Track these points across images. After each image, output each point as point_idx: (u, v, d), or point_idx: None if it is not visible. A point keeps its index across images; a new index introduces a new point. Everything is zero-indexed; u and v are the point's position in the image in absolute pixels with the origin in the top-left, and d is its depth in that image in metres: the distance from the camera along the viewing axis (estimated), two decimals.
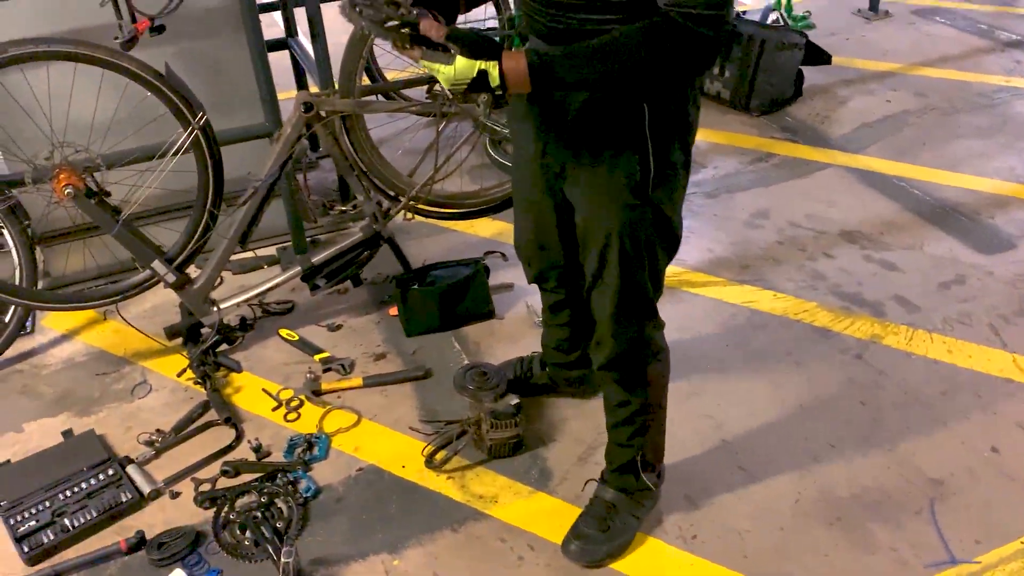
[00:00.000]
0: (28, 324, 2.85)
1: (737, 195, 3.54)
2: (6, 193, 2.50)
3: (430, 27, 1.44)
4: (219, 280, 2.67)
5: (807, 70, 4.32)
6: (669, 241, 1.75)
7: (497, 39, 1.47)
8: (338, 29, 2.30)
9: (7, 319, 2.70)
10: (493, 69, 1.40)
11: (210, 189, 2.52)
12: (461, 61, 1.40)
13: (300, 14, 3.42)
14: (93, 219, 2.39)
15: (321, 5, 2.92)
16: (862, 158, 3.76)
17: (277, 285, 2.71)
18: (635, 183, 1.61)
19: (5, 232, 2.54)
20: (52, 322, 2.92)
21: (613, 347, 1.84)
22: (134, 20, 2.53)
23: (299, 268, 2.70)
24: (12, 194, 2.52)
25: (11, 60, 2.19)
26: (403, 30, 1.44)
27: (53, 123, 2.47)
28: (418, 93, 3.33)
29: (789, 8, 4.85)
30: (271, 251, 3.23)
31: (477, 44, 1.41)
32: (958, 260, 3.07)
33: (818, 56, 4.33)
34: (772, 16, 4.74)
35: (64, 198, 2.30)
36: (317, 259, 2.71)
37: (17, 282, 2.55)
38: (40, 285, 2.99)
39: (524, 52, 1.42)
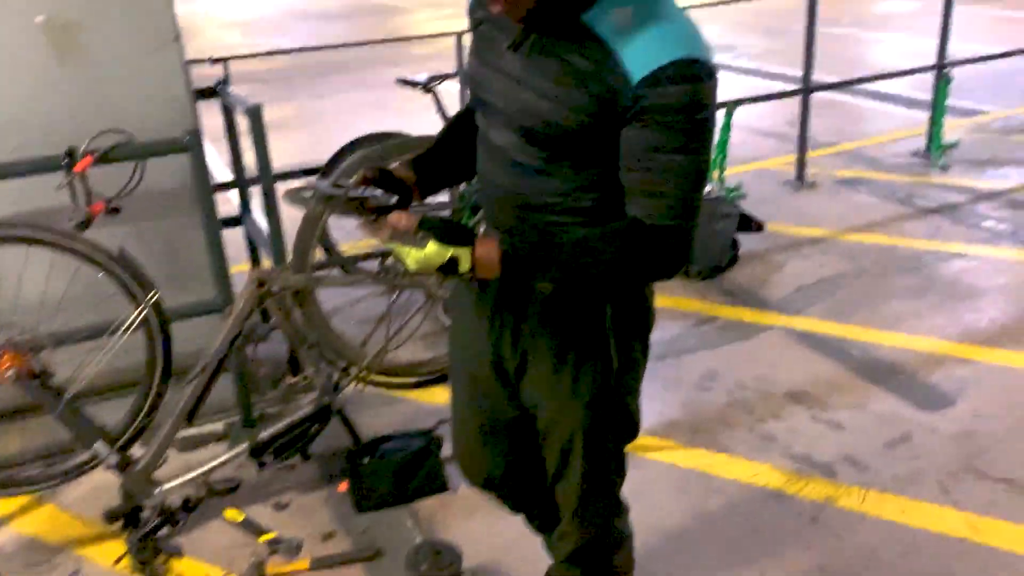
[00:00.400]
0: None
1: (685, 357, 3.61)
2: None
3: (399, 218, 1.39)
4: (163, 459, 2.60)
5: (743, 237, 4.53)
6: (630, 428, 1.74)
7: (466, 224, 1.52)
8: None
9: None
10: (465, 255, 1.37)
11: (158, 367, 2.50)
12: (432, 247, 1.35)
13: (255, 190, 3.53)
14: (35, 400, 2.34)
15: (276, 183, 3.03)
16: (802, 319, 3.89)
17: (223, 463, 2.64)
18: (599, 384, 1.59)
19: None
20: None
21: (577, 540, 1.81)
22: (90, 202, 2.59)
23: (246, 444, 2.65)
24: None
25: None
26: (372, 216, 1.43)
27: (1, 302, 2.47)
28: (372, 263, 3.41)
29: (721, 180, 5.15)
30: (218, 426, 3.17)
31: (450, 230, 1.38)
32: (902, 418, 3.14)
33: (751, 224, 4.57)
34: (707, 188, 5.02)
35: (5, 380, 2.26)
36: (264, 435, 2.66)
37: None
38: None
39: (497, 239, 1.40)
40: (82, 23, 2.70)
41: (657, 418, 3.18)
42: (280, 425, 2.68)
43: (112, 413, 2.71)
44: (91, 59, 2.74)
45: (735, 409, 3.24)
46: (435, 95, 4.26)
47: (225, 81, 3.68)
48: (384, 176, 1.54)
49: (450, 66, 5.04)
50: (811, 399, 3.28)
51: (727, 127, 5.04)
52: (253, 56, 4.93)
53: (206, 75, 4.02)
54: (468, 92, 1.60)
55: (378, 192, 1.45)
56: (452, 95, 4.90)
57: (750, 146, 6.46)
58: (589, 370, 1.58)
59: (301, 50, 5.95)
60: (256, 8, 18.76)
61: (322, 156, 4.30)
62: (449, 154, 1.71)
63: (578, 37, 1.34)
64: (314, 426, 2.72)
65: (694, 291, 4.22)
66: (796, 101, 5.54)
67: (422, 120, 7.70)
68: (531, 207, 1.48)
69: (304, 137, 7.24)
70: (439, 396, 3.27)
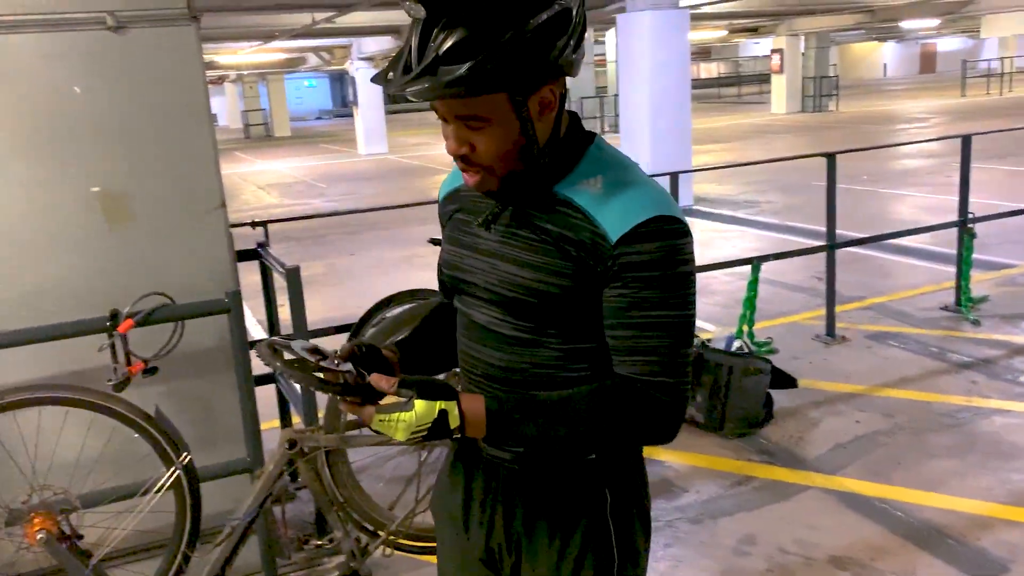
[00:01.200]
0: None
1: (721, 520, 3.52)
2: None
3: (380, 380, 1.33)
4: None
5: (776, 393, 4.51)
6: None
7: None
8: None
9: None
10: (453, 409, 1.31)
11: (186, 530, 2.48)
12: (420, 404, 1.30)
13: None
14: (62, 564, 2.32)
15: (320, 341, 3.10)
16: (840, 479, 3.80)
17: None
18: None
19: None
20: None
21: None
22: (129, 363, 2.66)
23: None
24: None
25: (8, 406, 2.26)
26: (347, 396, 1.33)
27: (37, 462, 2.50)
28: None
29: (752, 335, 5.17)
30: None
31: (432, 385, 1.33)
32: None
33: (785, 380, 4.55)
34: (736, 344, 5.04)
35: (36, 543, 2.25)
36: None
37: None
38: None
39: (481, 398, 1.35)
40: (134, 193, 2.87)
41: None
42: None
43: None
44: (139, 226, 2.89)
45: None
46: None
47: (265, 244, 3.85)
48: (371, 353, 1.48)
49: None
50: (856, 565, 3.16)
51: (755, 282, 5.12)
52: (292, 220, 5.14)
53: (244, 235, 4.20)
54: (440, 285, 1.60)
55: (347, 366, 1.35)
56: None
57: (778, 301, 6.53)
58: (590, 565, 1.48)
59: (334, 214, 6.23)
60: (291, 170, 19.69)
61: (353, 312, 4.40)
62: (432, 341, 1.64)
63: (552, 206, 1.38)
64: None
65: (729, 450, 4.16)
66: (821, 256, 5.64)
67: None
68: (519, 382, 1.44)
69: (336, 293, 7.45)
70: None
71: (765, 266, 5.15)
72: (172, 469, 2.42)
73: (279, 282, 3.36)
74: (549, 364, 1.42)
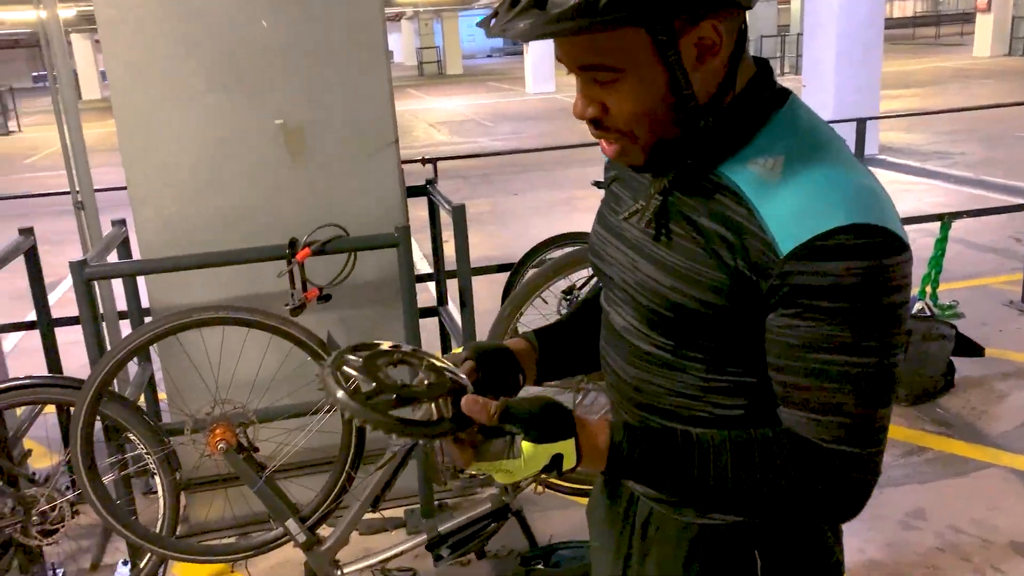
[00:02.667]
0: (160, 570, 2.90)
1: (887, 490, 3.32)
2: (165, 442, 2.66)
3: (472, 405, 1.01)
4: (345, 542, 2.67)
5: (959, 361, 4.18)
6: None
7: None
8: (486, 298, 2.43)
9: (142, 564, 2.77)
10: (569, 451, 1.00)
11: (351, 451, 2.60)
12: (528, 449, 0.99)
13: (451, 285, 3.69)
14: (239, 473, 2.49)
15: (480, 279, 3.14)
16: None
17: (402, 553, 2.68)
18: None
19: (157, 479, 2.68)
20: (182, 570, 2.97)
21: None
22: (305, 289, 2.79)
23: (425, 536, 2.68)
24: (169, 443, 2.69)
25: (194, 323, 2.43)
26: (430, 432, 1.00)
27: (219, 378, 2.68)
28: None
29: (935, 298, 4.80)
30: (399, 512, 3.24)
31: (545, 421, 1.01)
32: None
33: (970, 347, 4.20)
34: (918, 305, 4.70)
35: (216, 452, 2.43)
36: (444, 528, 2.68)
37: (159, 530, 2.65)
38: (178, 531, 3.10)
39: (606, 425, 1.04)
40: (313, 126, 2.96)
41: (857, 556, 2.92)
42: (458, 520, 2.70)
43: (301, 489, 2.84)
44: (317, 158, 2.99)
45: (947, 555, 2.92)
46: None
47: (433, 181, 3.91)
48: (494, 357, 1.23)
49: None
50: None
51: (943, 240, 4.73)
52: (460, 158, 5.20)
53: (413, 171, 4.29)
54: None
55: (459, 374, 1.08)
56: None
57: (967, 262, 6.02)
58: None
59: (501, 153, 6.21)
60: (461, 108, 19.97)
61: (514, 251, 4.42)
62: (577, 334, 1.35)
63: (711, 192, 1.03)
64: (491, 524, 2.72)
65: (902, 417, 3.91)
66: (1021, 216, 5.13)
67: None
68: (656, 409, 1.14)
69: (498, 231, 7.54)
70: None
71: (955, 224, 4.74)
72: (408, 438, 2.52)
73: (445, 218, 3.41)
74: (691, 394, 1.10)
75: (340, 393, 0.98)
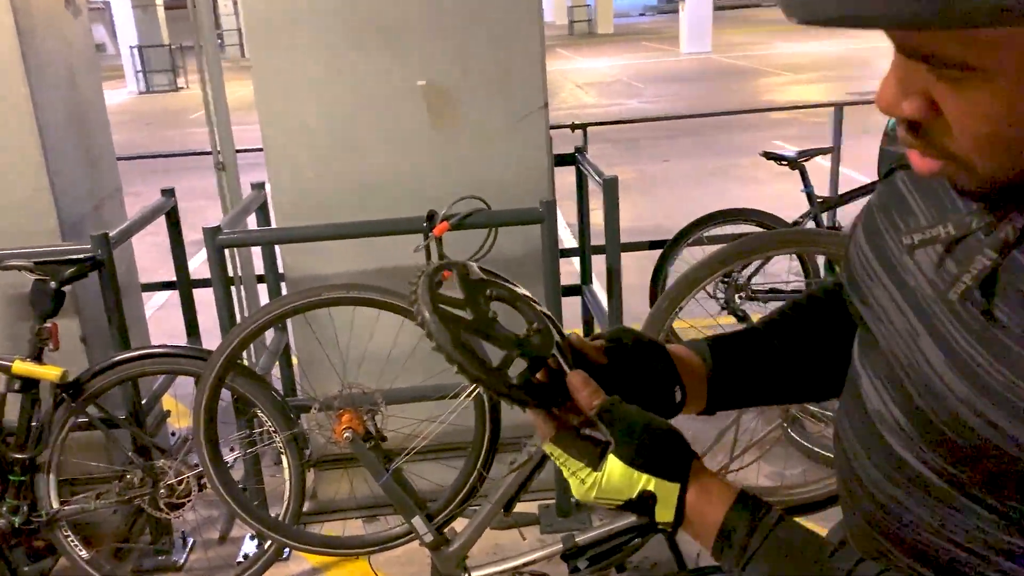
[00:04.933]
0: (285, 551, 2.81)
1: None
2: (293, 421, 2.53)
3: (579, 383, 0.83)
4: (473, 543, 2.48)
5: None
6: None
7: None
8: (632, 275, 2.14)
9: (266, 545, 2.68)
10: (668, 497, 0.78)
11: (483, 447, 2.38)
12: (615, 467, 0.78)
13: (597, 260, 3.40)
14: (364, 465, 2.32)
15: (627, 255, 2.86)
16: None
17: (535, 561, 2.45)
18: None
19: (284, 459, 2.56)
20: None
21: None
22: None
23: (560, 545, 2.43)
24: (301, 423, 2.56)
25: (322, 303, 2.26)
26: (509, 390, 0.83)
27: (348, 359, 2.52)
28: None
29: None
30: (532, 508, 3.02)
31: (653, 445, 0.79)
32: None
33: None
34: None
35: (342, 439, 2.26)
36: (582, 539, 2.43)
37: (282, 516, 2.53)
38: (306, 507, 3.00)
39: (730, 495, 0.79)
40: (458, 89, 2.73)
41: None
42: (598, 532, 2.44)
43: (431, 473, 2.67)
44: (460, 123, 2.77)
45: None
46: (803, 172, 3.85)
47: (583, 149, 3.61)
48: (641, 353, 0.95)
49: (821, 139, 4.60)
50: None
51: None
52: (611, 124, 4.88)
53: (560, 135, 4.01)
54: (842, 272, 0.91)
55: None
56: (823, 173, 4.45)
57: None
58: None
59: (656, 119, 5.81)
60: (610, 68, 19.44)
61: (661, 223, 4.08)
62: (774, 351, 1.00)
63: None
64: (636, 539, 2.44)
65: None
66: None
67: (773, 196, 7.31)
68: (909, 546, 0.78)
69: (645, 202, 7.15)
70: None
71: None
72: (473, 387, 2.30)
73: (593, 188, 3.13)
74: (972, 548, 0.72)
75: (428, 314, 0.83)
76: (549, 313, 0.94)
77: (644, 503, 0.78)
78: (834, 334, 0.96)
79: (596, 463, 0.79)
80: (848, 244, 0.86)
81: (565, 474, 0.82)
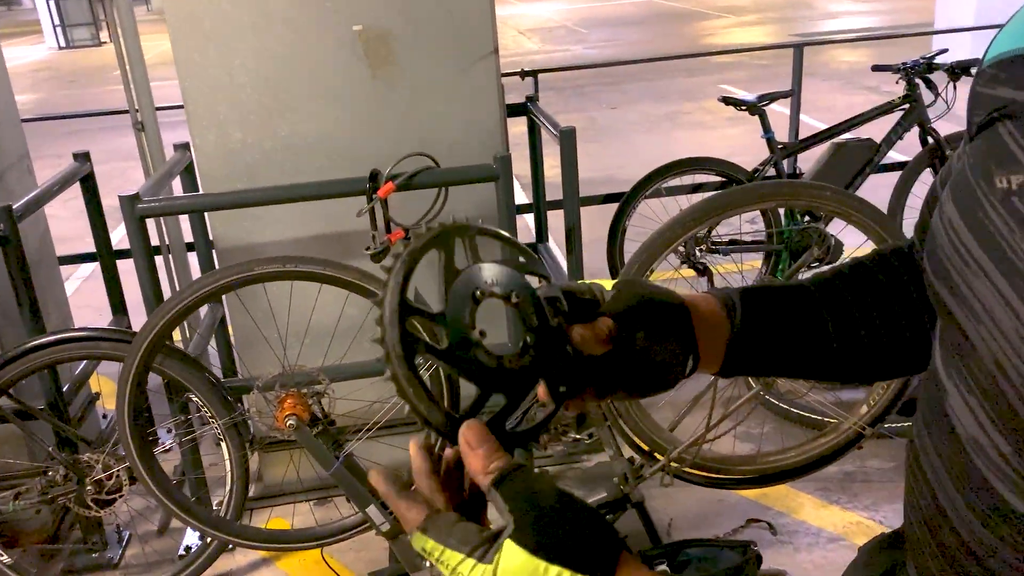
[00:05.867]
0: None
1: None
2: (232, 406, 2.31)
3: (474, 442, 0.61)
4: None
5: None
6: None
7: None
8: (587, 230, 1.95)
9: (208, 540, 2.47)
10: None
11: None
12: (515, 556, 0.56)
13: (552, 216, 3.22)
14: (311, 453, 2.12)
15: (581, 209, 2.67)
16: None
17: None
18: None
19: (223, 447, 2.34)
20: None
21: None
22: (389, 230, 2.37)
23: None
24: (242, 409, 2.34)
25: (256, 279, 2.03)
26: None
27: (289, 335, 2.30)
28: None
29: None
30: None
31: (569, 528, 0.58)
32: None
33: None
34: None
35: (286, 428, 2.06)
36: None
37: (224, 508, 2.32)
38: (251, 491, 2.79)
39: None
40: (398, 33, 2.48)
41: None
42: None
43: (384, 456, 2.48)
44: (403, 72, 2.52)
45: None
46: (763, 117, 3.69)
47: (534, 97, 3.39)
48: (654, 313, 0.76)
49: (768, 81, 4.44)
50: None
51: None
52: (562, 70, 4.65)
53: (508, 85, 3.78)
54: (919, 232, 0.76)
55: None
56: (782, 118, 4.29)
57: None
58: None
59: (605, 65, 5.57)
60: (553, 13, 19.04)
61: (614, 174, 3.90)
62: (813, 316, 0.82)
63: None
64: (607, 515, 2.30)
65: None
66: None
67: (724, 141, 7.19)
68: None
69: (596, 151, 6.94)
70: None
71: None
72: (428, 362, 2.11)
73: (546, 137, 2.93)
74: None
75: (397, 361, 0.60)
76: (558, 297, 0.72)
77: None
78: (900, 311, 0.80)
79: (484, 553, 0.57)
80: (934, 224, 0.67)
81: (434, 569, 0.59)
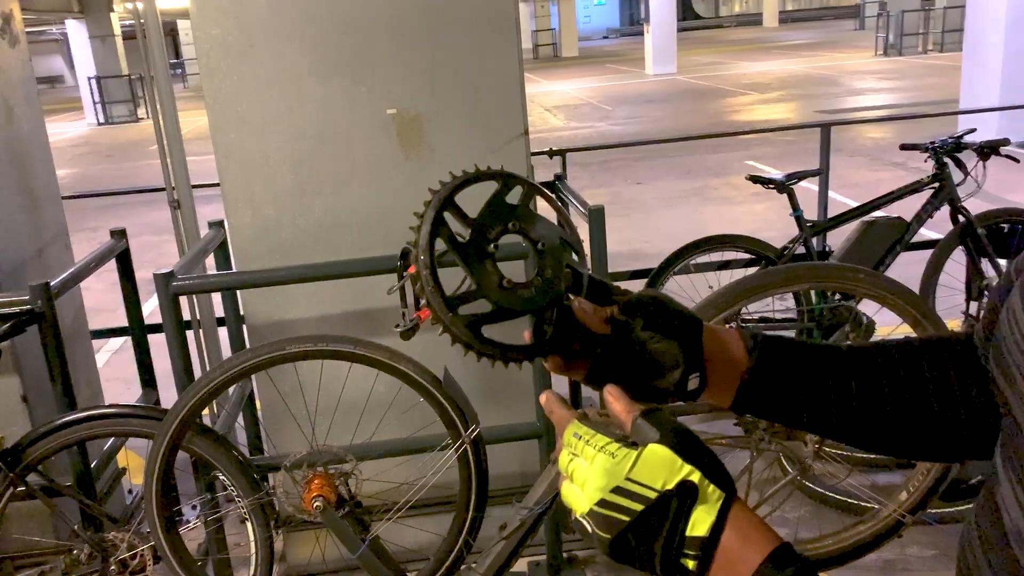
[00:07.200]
0: None
1: None
2: (259, 486, 2.29)
3: (613, 399, 0.70)
4: None
5: None
6: None
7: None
8: None
9: None
10: (713, 498, 0.63)
11: (469, 510, 2.16)
12: (658, 451, 0.64)
13: None
14: (337, 536, 2.09)
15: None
16: None
17: None
18: None
19: (248, 527, 2.31)
20: None
21: None
22: (419, 307, 2.37)
23: None
24: (269, 488, 2.31)
25: (287, 358, 2.03)
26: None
27: (317, 414, 2.29)
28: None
29: None
30: (522, 564, 2.79)
31: (704, 449, 0.65)
32: None
33: None
34: None
35: (312, 511, 2.03)
36: None
37: None
38: (275, 572, 2.75)
39: (768, 534, 0.64)
40: (431, 116, 2.53)
41: None
42: None
43: (411, 537, 2.44)
44: (435, 154, 2.56)
45: None
46: (791, 195, 3.70)
47: (562, 176, 3.43)
48: (663, 318, 0.78)
49: (794, 158, 4.46)
50: None
51: None
52: (590, 149, 4.71)
53: (537, 163, 3.83)
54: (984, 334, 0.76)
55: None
56: (809, 193, 4.30)
57: None
58: None
59: (635, 144, 5.65)
60: (577, 91, 19.41)
61: (640, 248, 3.90)
62: (840, 390, 0.81)
63: None
64: None
65: None
66: None
67: (750, 217, 7.20)
68: None
69: (622, 226, 6.98)
70: None
71: None
72: (459, 442, 2.09)
73: (572, 213, 2.95)
74: None
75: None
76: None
77: (676, 504, 0.62)
78: (937, 396, 0.80)
79: (632, 445, 0.65)
80: (1000, 303, 0.67)
81: (586, 456, 0.66)
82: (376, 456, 2.32)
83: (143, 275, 3.49)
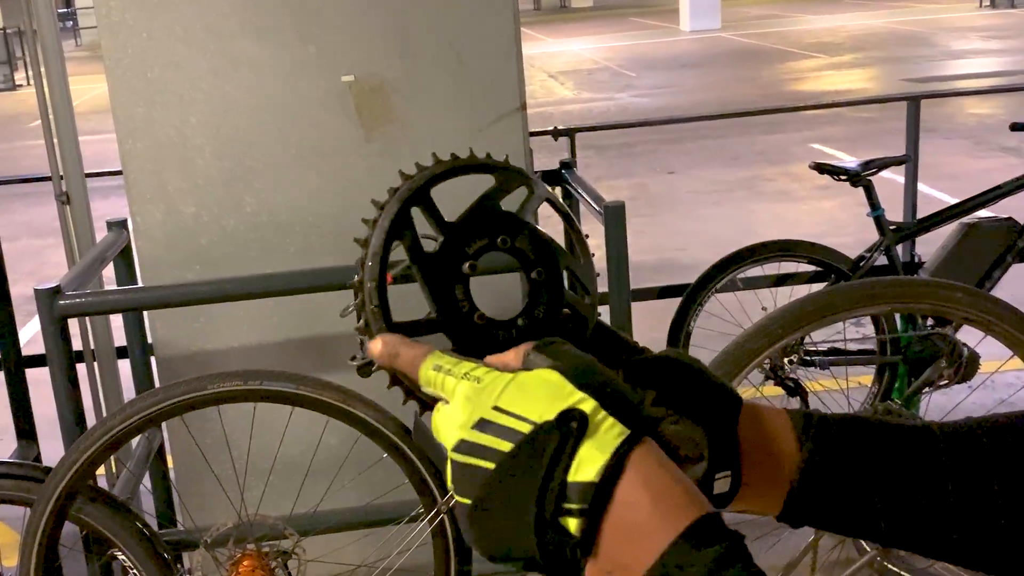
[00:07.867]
0: None
1: None
2: (177, 570, 2.30)
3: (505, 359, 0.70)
4: None
5: None
6: None
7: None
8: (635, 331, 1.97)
9: None
10: (609, 436, 0.59)
11: None
12: (544, 374, 0.63)
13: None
14: None
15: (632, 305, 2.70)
16: None
17: None
18: None
19: None
20: None
21: None
22: None
23: None
24: (184, 571, 2.34)
25: (209, 399, 2.06)
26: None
27: (248, 477, 2.32)
28: None
29: None
30: None
31: (612, 382, 0.62)
32: None
33: None
34: None
35: None
36: None
37: None
38: None
39: (690, 496, 0.59)
40: (400, 86, 2.59)
41: None
42: None
43: None
44: (404, 133, 2.62)
45: None
46: (869, 189, 3.73)
47: (571, 164, 3.46)
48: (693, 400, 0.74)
49: (871, 139, 4.51)
50: None
51: None
52: (606, 128, 4.76)
53: (538, 145, 3.87)
54: None
55: None
56: (887, 187, 4.35)
57: None
58: None
59: (666, 122, 5.69)
60: (592, 52, 19.58)
61: (672, 257, 3.93)
62: (931, 489, 0.79)
63: None
64: None
65: None
66: None
67: (820, 219, 7.27)
68: None
69: (647, 228, 7.04)
70: None
71: None
72: (433, 511, 2.11)
73: (584, 211, 3.00)
74: None
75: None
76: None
77: (558, 438, 0.57)
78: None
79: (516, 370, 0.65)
80: None
81: (447, 390, 0.66)
82: (325, 530, 2.36)
83: (21, 291, 3.50)
